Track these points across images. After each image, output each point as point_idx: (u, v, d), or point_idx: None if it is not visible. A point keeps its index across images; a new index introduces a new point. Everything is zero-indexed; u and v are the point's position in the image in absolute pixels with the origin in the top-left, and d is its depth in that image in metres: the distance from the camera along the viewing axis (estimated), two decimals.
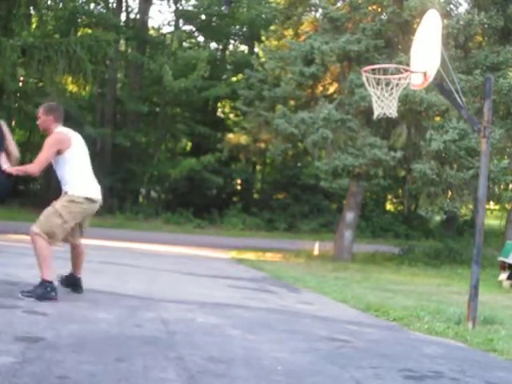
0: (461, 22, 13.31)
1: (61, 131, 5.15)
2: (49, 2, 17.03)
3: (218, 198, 29.38)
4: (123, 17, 29.20)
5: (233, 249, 15.67)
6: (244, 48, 31.76)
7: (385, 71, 6.29)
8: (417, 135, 14.10)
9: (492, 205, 22.16)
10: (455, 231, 28.81)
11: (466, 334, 5.20)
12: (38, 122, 5.23)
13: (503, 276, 11.46)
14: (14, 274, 6.35)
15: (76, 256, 5.37)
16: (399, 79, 6.03)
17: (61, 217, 4.95)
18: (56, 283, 5.01)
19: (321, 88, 16.60)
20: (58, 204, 5.03)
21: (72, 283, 5.41)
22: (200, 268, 9.72)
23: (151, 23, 50.03)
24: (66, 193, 5.09)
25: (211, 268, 9.90)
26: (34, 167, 5.10)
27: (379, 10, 15.21)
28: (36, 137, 31.95)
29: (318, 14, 16.97)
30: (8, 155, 5.30)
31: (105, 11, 27.31)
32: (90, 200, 5.09)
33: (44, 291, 4.84)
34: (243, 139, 20.34)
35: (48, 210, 5.02)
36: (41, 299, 4.77)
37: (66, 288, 5.36)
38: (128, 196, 26.83)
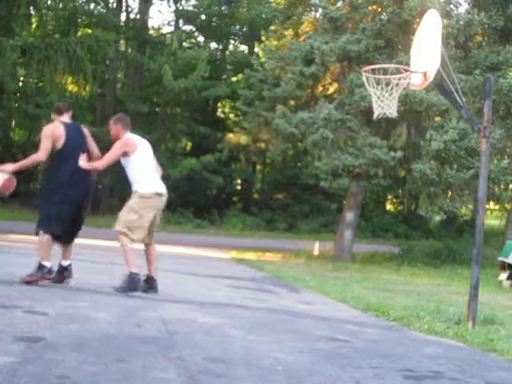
0: (461, 22, 13.31)
1: (128, 137, 5.83)
2: (49, 2, 17.04)
3: (218, 198, 29.39)
4: (123, 17, 29.20)
5: (233, 249, 15.66)
6: (244, 48, 31.77)
7: (385, 71, 6.29)
8: (417, 135, 14.10)
9: (492, 205, 22.15)
10: (455, 231, 28.81)
11: (466, 334, 5.20)
12: (110, 133, 5.89)
13: (503, 276, 11.46)
14: (15, 273, 6.35)
15: (148, 257, 5.88)
16: (399, 79, 6.03)
17: (135, 212, 5.56)
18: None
19: (321, 88, 16.60)
20: (130, 202, 5.65)
21: (149, 285, 5.85)
22: (200, 268, 9.71)
23: (151, 23, 50.11)
24: (135, 191, 5.68)
25: (211, 268, 9.89)
26: (100, 163, 5.76)
27: (379, 9, 15.20)
28: (36, 137, 32.05)
29: (318, 14, 16.97)
30: (90, 154, 5.87)
31: (105, 11, 27.31)
32: (158, 194, 5.69)
33: (131, 282, 5.52)
34: (243, 139, 20.35)
35: (123, 210, 5.66)
36: (132, 290, 5.47)
37: (143, 292, 5.77)
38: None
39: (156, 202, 5.69)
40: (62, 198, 5.63)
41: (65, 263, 5.95)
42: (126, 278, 5.59)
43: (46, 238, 5.67)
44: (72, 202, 5.69)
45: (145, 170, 5.73)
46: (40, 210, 5.83)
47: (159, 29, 31.96)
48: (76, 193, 5.70)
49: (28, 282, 5.66)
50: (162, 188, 5.80)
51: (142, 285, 5.81)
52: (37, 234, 5.74)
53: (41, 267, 5.72)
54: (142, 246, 5.94)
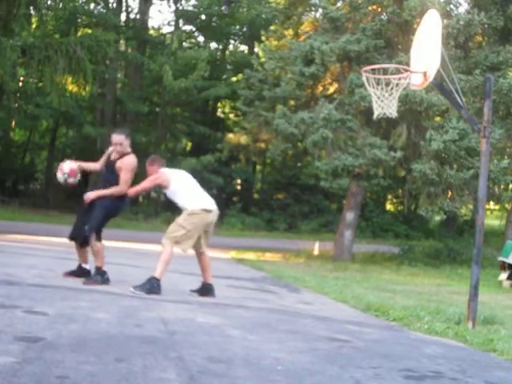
0: (461, 22, 13.30)
1: (161, 171, 6.21)
2: (49, 2, 17.00)
3: (217, 198, 29.29)
4: (123, 17, 29.21)
5: (233, 249, 15.66)
6: (244, 48, 31.77)
7: (385, 71, 6.29)
8: (417, 135, 14.09)
9: (492, 205, 22.16)
10: (455, 231, 28.82)
11: (466, 334, 5.20)
12: (148, 173, 6.29)
13: (503, 276, 11.47)
14: (15, 274, 6.35)
15: (202, 264, 6.22)
16: (399, 79, 6.03)
17: (183, 228, 5.88)
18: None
19: (321, 88, 16.59)
20: (179, 218, 5.97)
21: (205, 290, 6.23)
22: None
23: (151, 23, 50.14)
24: (185, 209, 6.01)
25: (211, 268, 9.86)
26: (131, 190, 6.23)
27: (379, 9, 15.20)
28: (36, 137, 32.04)
29: (318, 14, 16.98)
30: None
31: (105, 11, 27.30)
32: (206, 210, 5.99)
33: (151, 286, 5.75)
34: (243, 139, 20.33)
35: (172, 225, 5.98)
36: (149, 293, 5.68)
37: (202, 296, 6.16)
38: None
39: (203, 218, 5.97)
40: (115, 208, 6.34)
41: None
42: (147, 280, 5.83)
43: (100, 244, 6.18)
44: (117, 212, 6.48)
45: (190, 191, 6.10)
46: (94, 218, 6.17)
47: (159, 29, 32.01)
48: (121, 204, 6.40)
49: (90, 285, 6.02)
50: (210, 204, 6.09)
51: (198, 289, 6.25)
52: (87, 237, 6.18)
53: (102, 273, 6.18)
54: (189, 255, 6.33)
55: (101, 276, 6.16)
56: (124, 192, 6.23)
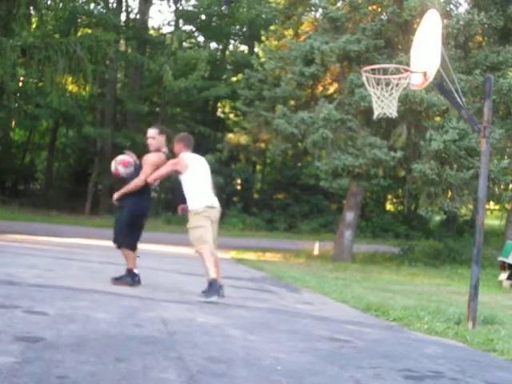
0: (461, 22, 13.30)
1: (181, 156, 6.18)
2: (49, 2, 17.00)
3: (218, 198, 29.34)
4: (123, 17, 29.24)
5: (233, 249, 15.66)
6: (244, 48, 31.77)
7: (385, 71, 6.29)
8: (417, 135, 14.10)
9: (492, 205, 22.17)
10: (455, 231, 28.84)
11: (466, 334, 5.20)
12: (174, 150, 6.29)
13: (503, 276, 11.47)
14: (15, 274, 6.35)
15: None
16: (399, 79, 6.03)
17: (198, 228, 5.99)
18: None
19: (321, 88, 16.60)
20: (190, 224, 6.07)
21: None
22: (200, 268, 9.69)
23: (151, 23, 50.18)
24: (190, 211, 6.09)
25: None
26: (149, 178, 6.19)
27: (379, 9, 15.19)
28: (36, 137, 32.05)
29: (318, 14, 16.98)
30: None
31: (105, 11, 27.32)
32: (209, 207, 6.07)
33: (216, 288, 5.84)
34: (243, 139, 20.32)
35: (189, 233, 6.07)
36: (219, 296, 5.82)
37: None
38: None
39: (209, 213, 6.05)
40: (137, 214, 6.35)
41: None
42: (209, 285, 5.88)
43: (129, 251, 6.29)
44: (142, 213, 6.44)
45: (196, 187, 6.09)
46: (120, 232, 6.32)
47: (159, 29, 32.01)
48: (144, 203, 6.43)
49: (119, 285, 6.15)
50: (213, 201, 6.16)
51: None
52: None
53: (133, 275, 6.31)
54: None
55: (131, 278, 6.26)
56: (143, 182, 6.19)
